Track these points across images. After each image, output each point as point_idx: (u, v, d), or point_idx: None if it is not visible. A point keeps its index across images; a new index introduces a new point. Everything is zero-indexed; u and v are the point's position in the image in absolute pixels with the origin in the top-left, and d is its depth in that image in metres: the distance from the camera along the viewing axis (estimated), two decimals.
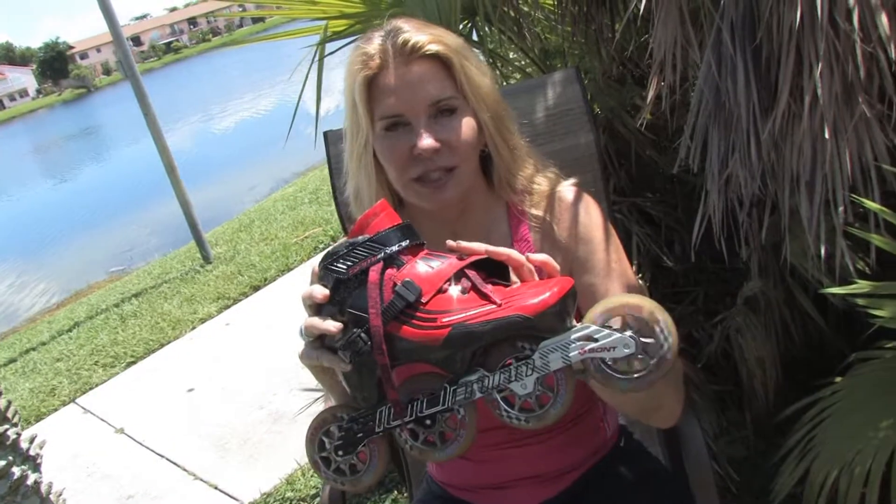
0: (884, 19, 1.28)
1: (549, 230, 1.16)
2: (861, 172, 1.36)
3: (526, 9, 2.14)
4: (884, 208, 1.30)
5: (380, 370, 0.83)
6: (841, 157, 1.35)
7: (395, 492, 2.37)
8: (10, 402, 1.30)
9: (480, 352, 0.83)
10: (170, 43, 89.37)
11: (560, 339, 0.80)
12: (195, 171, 9.83)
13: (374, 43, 1.06)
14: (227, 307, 4.63)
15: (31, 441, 1.35)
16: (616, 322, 0.79)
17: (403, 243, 0.86)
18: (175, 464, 3.06)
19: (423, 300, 0.82)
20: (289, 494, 2.64)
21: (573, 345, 0.79)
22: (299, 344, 0.89)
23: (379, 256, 0.84)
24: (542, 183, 1.18)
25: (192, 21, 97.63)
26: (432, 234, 1.19)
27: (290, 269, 4.95)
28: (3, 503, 1.31)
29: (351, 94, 1.09)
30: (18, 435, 1.35)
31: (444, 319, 0.81)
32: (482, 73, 1.10)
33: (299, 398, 3.24)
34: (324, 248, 5.17)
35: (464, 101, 1.07)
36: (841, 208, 1.37)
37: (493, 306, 0.81)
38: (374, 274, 0.83)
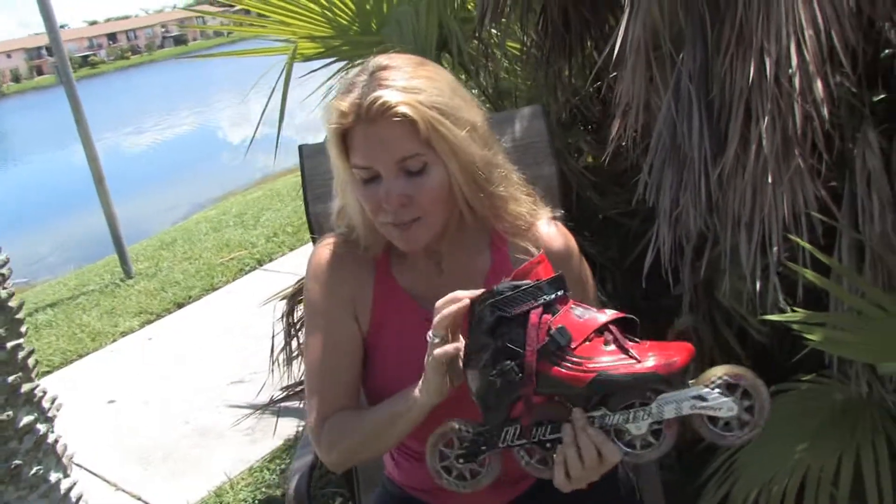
0: (819, 84, 1.46)
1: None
2: (793, 218, 1.53)
3: (492, 50, 2.27)
4: (813, 248, 1.46)
5: (524, 400, 0.97)
6: (777, 203, 1.51)
7: (340, 499, 2.41)
8: (37, 362, 1.30)
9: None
10: (87, 56, 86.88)
11: (677, 395, 0.94)
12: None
13: (349, 98, 1.09)
14: (150, 322, 4.56)
15: (52, 402, 1.36)
16: (722, 385, 0.93)
17: (559, 293, 0.98)
18: (94, 474, 2.99)
19: (573, 346, 0.95)
20: None
21: (687, 401, 0.93)
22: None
23: (539, 302, 0.96)
24: (524, 216, 1.24)
25: (111, 36, 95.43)
26: (418, 263, 1.26)
27: (215, 289, 4.92)
28: (27, 458, 1.31)
29: (329, 144, 1.15)
30: (45, 393, 1.35)
31: (590, 365, 0.94)
32: (459, 126, 1.11)
33: (226, 415, 3.24)
34: (249, 271, 5.17)
35: (434, 154, 1.11)
36: (775, 248, 1.53)
37: (633, 361, 0.94)
38: (534, 317, 0.96)
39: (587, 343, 0.96)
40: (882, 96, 1.71)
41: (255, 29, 2.50)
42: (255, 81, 2.83)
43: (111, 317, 4.72)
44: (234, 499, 2.67)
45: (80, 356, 4.23)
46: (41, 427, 1.35)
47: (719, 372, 0.94)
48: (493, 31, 2.13)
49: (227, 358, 3.79)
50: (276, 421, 2.82)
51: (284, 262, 5.19)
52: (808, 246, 1.45)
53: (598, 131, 2.43)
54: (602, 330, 0.97)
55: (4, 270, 1.26)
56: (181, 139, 17.82)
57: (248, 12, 2.57)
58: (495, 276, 1.25)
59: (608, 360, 0.94)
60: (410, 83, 1.09)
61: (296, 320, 2.53)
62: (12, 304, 1.29)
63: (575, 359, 0.94)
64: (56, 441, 1.41)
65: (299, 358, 2.53)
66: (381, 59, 1.13)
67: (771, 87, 1.44)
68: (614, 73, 2.12)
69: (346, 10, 2.33)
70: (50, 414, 1.35)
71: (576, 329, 0.96)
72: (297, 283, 2.54)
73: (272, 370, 2.61)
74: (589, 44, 2.21)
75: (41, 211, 11.84)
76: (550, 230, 1.27)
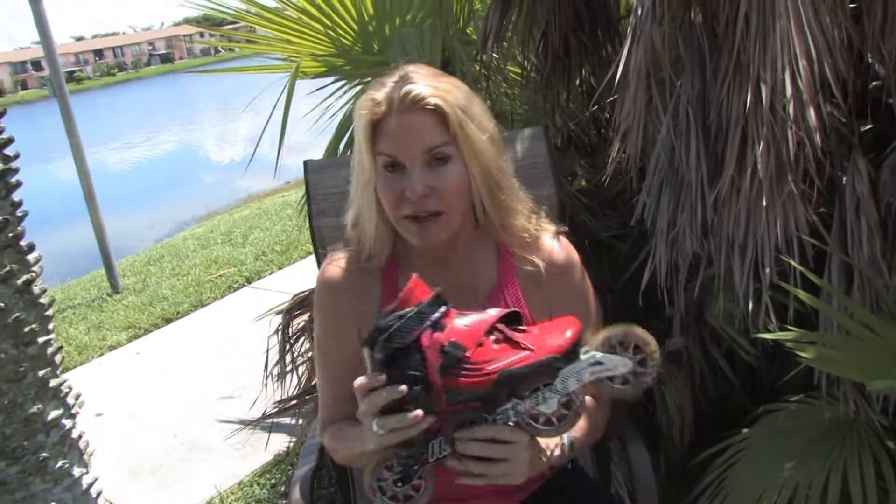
0: (811, 113, 1.52)
1: (535, 275, 1.28)
2: (785, 241, 1.58)
3: (493, 74, 2.32)
4: (804, 269, 1.51)
5: (436, 418, 1.02)
6: (770, 226, 1.57)
7: None
8: (63, 358, 1.33)
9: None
10: (73, 72, 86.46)
11: (575, 367, 1.01)
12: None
13: (383, 91, 1.16)
14: (138, 336, 4.54)
15: (77, 399, 1.38)
16: (615, 345, 1.01)
17: (442, 310, 1.04)
18: None
19: (468, 354, 1.00)
20: None
21: (585, 371, 1.01)
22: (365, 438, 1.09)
23: (426, 325, 1.02)
24: (529, 230, 1.29)
25: (97, 52, 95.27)
26: (424, 268, 1.30)
27: (203, 305, 4.92)
28: (53, 451, 1.33)
29: (357, 135, 1.20)
30: (70, 389, 1.38)
31: (490, 367, 1.01)
32: (481, 130, 1.18)
33: (216, 429, 3.24)
34: (238, 288, 5.17)
35: (457, 151, 1.17)
36: (768, 270, 1.58)
37: (528, 352, 1.01)
38: (425, 339, 1.01)
39: (480, 347, 1.02)
40: (869, 126, 1.77)
41: (261, 46, 2.55)
42: (249, 101, 2.89)
43: (98, 330, 4.70)
44: None
45: (67, 369, 4.20)
46: (66, 422, 1.38)
47: (607, 335, 1.01)
48: (495, 55, 2.19)
49: (217, 373, 3.79)
50: (269, 435, 2.82)
51: (273, 281, 5.20)
52: (799, 267, 1.50)
53: (592, 155, 2.48)
54: (490, 331, 1.04)
55: (36, 268, 1.30)
56: (164, 157, 17.79)
57: (237, 29, 2.62)
58: (501, 289, 1.30)
59: (505, 358, 1.01)
60: (440, 84, 1.17)
61: (291, 335, 2.55)
62: (43, 300, 1.33)
63: (473, 366, 1.00)
64: (79, 437, 1.43)
65: (293, 373, 2.55)
66: (409, 66, 1.20)
67: (766, 114, 1.50)
68: (610, 99, 2.19)
69: (349, 30, 2.38)
70: (73, 410, 1.38)
71: (466, 337, 1.02)
72: (293, 297, 2.56)
73: (265, 385, 2.63)
74: (585, 69, 2.28)
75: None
76: (554, 244, 1.31)
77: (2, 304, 1.26)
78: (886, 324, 1.51)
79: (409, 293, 1.04)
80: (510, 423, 1.04)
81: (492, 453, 1.05)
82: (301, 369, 2.57)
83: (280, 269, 5.46)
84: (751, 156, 1.53)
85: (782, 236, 1.56)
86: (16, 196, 1.33)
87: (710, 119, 1.61)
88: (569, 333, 1.03)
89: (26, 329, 1.31)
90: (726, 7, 1.59)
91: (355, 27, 2.36)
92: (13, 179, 1.30)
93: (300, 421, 2.72)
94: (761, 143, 1.51)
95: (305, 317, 2.59)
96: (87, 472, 1.45)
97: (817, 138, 1.52)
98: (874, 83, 1.75)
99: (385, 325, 1.01)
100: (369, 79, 2.55)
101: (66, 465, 1.38)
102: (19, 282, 1.29)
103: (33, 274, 1.30)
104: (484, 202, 1.22)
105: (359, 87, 2.68)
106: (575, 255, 1.33)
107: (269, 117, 2.51)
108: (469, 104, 1.19)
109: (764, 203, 1.51)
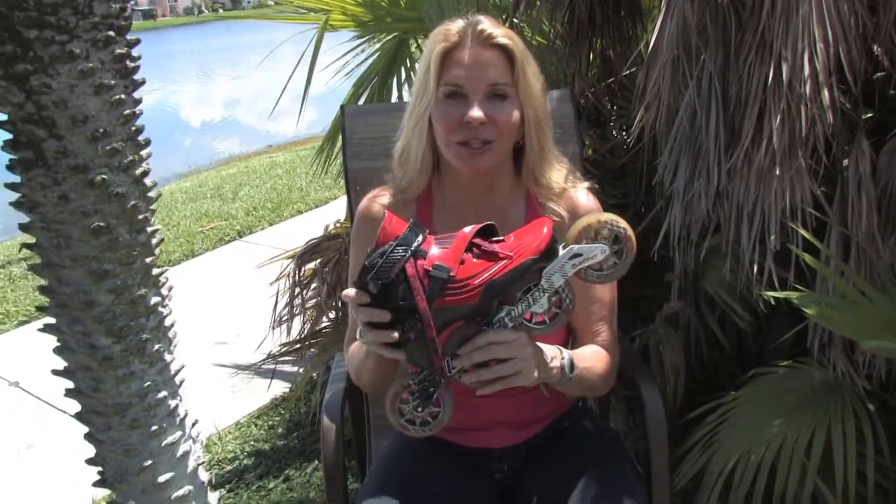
0: (825, 93, 1.63)
1: (559, 226, 1.33)
2: (791, 212, 1.70)
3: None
4: (808, 234, 1.63)
5: (428, 342, 1.07)
6: (778, 196, 1.68)
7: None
8: (161, 240, 1.41)
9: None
10: None
11: (557, 263, 1.08)
12: None
13: (458, 23, 1.28)
14: None
15: (170, 290, 1.46)
16: (591, 235, 1.08)
17: (420, 238, 1.09)
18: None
19: (452, 274, 1.07)
20: (206, 457, 2.72)
21: (567, 264, 1.08)
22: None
23: (408, 255, 1.07)
24: (560, 182, 1.39)
25: None
26: (457, 202, 1.40)
27: (195, 255, 4.96)
28: (151, 335, 1.42)
29: (426, 61, 1.29)
30: (167, 280, 1.46)
31: (475, 282, 1.07)
32: (536, 78, 1.30)
33: (211, 373, 3.32)
34: (230, 241, 5.22)
35: (515, 92, 1.27)
36: (773, 237, 1.69)
37: (506, 260, 1.08)
38: (410, 269, 1.06)
39: (462, 265, 1.08)
40: (871, 115, 1.88)
41: None
42: (262, 58, 2.95)
43: None
44: (222, 450, 2.75)
45: None
46: (163, 310, 1.47)
47: (579, 227, 1.08)
48: (523, 22, 2.27)
49: (211, 320, 3.86)
50: (271, 380, 2.91)
51: (265, 236, 5.25)
52: (804, 232, 1.61)
53: (602, 126, 2.58)
54: (469, 248, 1.10)
55: (144, 166, 1.39)
56: (143, 113, 17.57)
57: None
58: None
59: (487, 270, 1.07)
60: (508, 31, 1.28)
61: (300, 281, 2.64)
62: (152, 194, 1.41)
63: (459, 283, 1.07)
64: (171, 326, 1.52)
65: (301, 316, 2.64)
66: (478, 15, 1.30)
67: (784, 90, 1.61)
68: (627, 72, 2.29)
69: None
70: (166, 301, 1.47)
71: (447, 259, 1.07)
72: (305, 243, 2.65)
73: (272, 327, 2.71)
74: (605, 41, 2.36)
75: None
76: (585, 198, 1.41)
77: (123, 190, 1.34)
78: (878, 292, 1.64)
79: (386, 230, 1.09)
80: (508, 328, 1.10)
81: (496, 354, 1.11)
82: (307, 314, 2.66)
83: (271, 225, 5.51)
84: (766, 128, 1.64)
85: (789, 207, 1.67)
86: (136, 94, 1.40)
87: (730, 92, 1.71)
88: (544, 231, 1.09)
89: (140, 217, 1.39)
90: None
91: None
92: (137, 77, 1.38)
93: (300, 370, 2.81)
94: (777, 118, 1.61)
95: (312, 264, 2.68)
96: (175, 360, 1.55)
97: (829, 117, 1.62)
98: (880, 73, 1.87)
99: (370, 264, 1.07)
100: (395, 34, 2.64)
101: (161, 349, 1.47)
102: (137, 172, 1.37)
103: (146, 167, 1.39)
104: (532, 144, 1.33)
105: (378, 46, 2.75)
106: (600, 209, 1.42)
107: (293, 72, 2.57)
108: (529, 55, 1.30)
109: (778, 172, 1.62)
